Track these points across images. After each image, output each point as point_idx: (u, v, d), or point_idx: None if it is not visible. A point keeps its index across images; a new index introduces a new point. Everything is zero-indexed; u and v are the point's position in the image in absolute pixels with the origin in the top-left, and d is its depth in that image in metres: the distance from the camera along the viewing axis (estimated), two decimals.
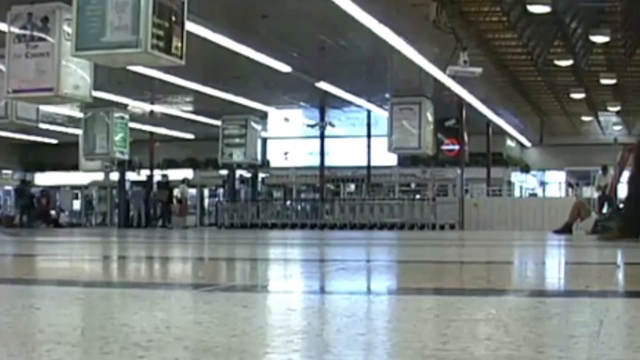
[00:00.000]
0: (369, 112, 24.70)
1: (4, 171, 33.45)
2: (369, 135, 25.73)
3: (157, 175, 29.07)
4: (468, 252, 5.94)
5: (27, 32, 11.20)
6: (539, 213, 21.06)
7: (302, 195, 29.28)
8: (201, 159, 30.75)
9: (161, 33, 9.15)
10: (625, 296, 2.18)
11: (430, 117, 21.79)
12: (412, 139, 21.37)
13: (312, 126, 26.41)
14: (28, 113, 14.49)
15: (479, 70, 14.78)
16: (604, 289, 2.34)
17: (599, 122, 30.53)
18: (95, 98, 12.75)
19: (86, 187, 30.94)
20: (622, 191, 17.15)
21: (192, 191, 31.44)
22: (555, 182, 34.05)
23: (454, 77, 16.51)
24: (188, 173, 31.31)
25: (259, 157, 24.57)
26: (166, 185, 22.89)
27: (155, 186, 23.43)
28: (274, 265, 4.15)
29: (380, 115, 23.78)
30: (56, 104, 15.40)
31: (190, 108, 24.24)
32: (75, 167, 24.85)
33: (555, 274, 3.46)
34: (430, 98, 21.52)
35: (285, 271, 3.69)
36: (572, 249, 6.26)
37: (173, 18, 9.33)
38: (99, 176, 28.36)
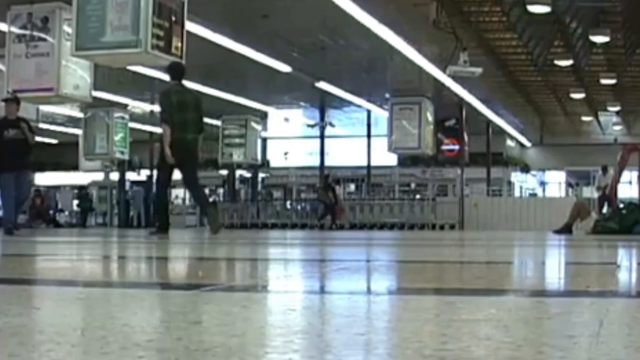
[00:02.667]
0: (369, 112, 24.70)
1: None
2: (369, 135, 25.73)
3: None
4: (468, 252, 5.94)
5: (27, 32, 11.21)
6: (539, 213, 21.05)
7: (302, 195, 29.24)
8: (201, 159, 30.72)
9: (161, 33, 9.17)
10: (625, 296, 2.18)
11: (430, 117, 21.80)
12: (412, 139, 21.38)
13: (312, 126, 26.42)
14: (28, 113, 14.47)
15: (479, 70, 14.79)
16: (604, 289, 2.34)
17: (599, 122, 30.55)
18: (95, 98, 12.76)
19: (85, 187, 30.93)
20: (622, 191, 17.05)
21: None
22: (555, 182, 34.03)
23: (454, 77, 16.51)
24: None
25: (259, 157, 24.58)
26: (328, 185, 22.41)
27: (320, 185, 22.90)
28: (274, 265, 4.15)
29: (380, 115, 23.77)
30: (56, 104, 15.42)
31: None
32: (75, 167, 24.88)
33: (555, 274, 3.46)
34: (430, 98, 21.53)
35: (285, 271, 3.69)
36: (572, 249, 6.27)
37: (173, 18, 9.34)
38: (99, 176, 28.36)
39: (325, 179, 22.69)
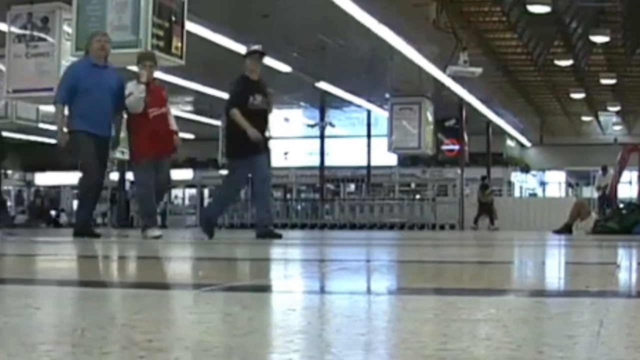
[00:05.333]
0: (369, 112, 24.69)
1: (4, 171, 33.41)
2: (369, 135, 25.73)
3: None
4: (468, 252, 5.94)
5: (27, 32, 11.22)
6: (539, 213, 21.05)
7: (302, 195, 29.24)
8: (201, 159, 30.76)
9: (161, 33, 9.18)
10: (625, 296, 2.18)
11: (430, 117, 21.80)
12: (412, 139, 21.39)
13: (312, 126, 26.43)
14: (28, 113, 14.51)
15: (479, 70, 14.80)
16: (604, 289, 2.34)
17: (599, 122, 30.55)
18: None
19: None
20: (622, 191, 17.04)
21: (193, 191, 31.46)
22: (555, 182, 34.03)
23: (454, 77, 16.52)
24: (188, 173, 31.30)
25: None
26: (486, 187, 22.14)
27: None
28: (274, 265, 4.15)
29: (380, 115, 23.77)
30: None
31: (190, 108, 24.22)
32: (75, 167, 24.86)
33: (555, 274, 3.46)
34: (430, 98, 21.52)
35: (285, 271, 3.70)
36: (572, 249, 6.27)
37: (173, 18, 9.35)
38: None
39: (483, 180, 22.51)
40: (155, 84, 8.41)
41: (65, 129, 7.85)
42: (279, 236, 7.99)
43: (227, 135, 8.68)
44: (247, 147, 7.95)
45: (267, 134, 8.44)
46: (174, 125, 8.44)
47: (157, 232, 8.06)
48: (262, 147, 8.25)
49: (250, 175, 8.50)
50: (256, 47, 8.46)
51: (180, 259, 4.71)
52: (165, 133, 8.20)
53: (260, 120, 8.23)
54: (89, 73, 7.85)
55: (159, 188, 8.32)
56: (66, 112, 7.90)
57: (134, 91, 7.90)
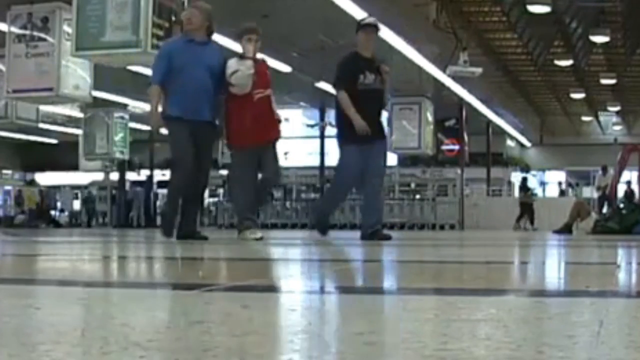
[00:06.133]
0: None
1: (4, 171, 33.44)
2: None
3: (158, 175, 29.06)
4: (468, 252, 5.94)
5: (27, 32, 11.21)
6: (539, 213, 21.04)
7: (302, 195, 29.21)
8: None
9: (161, 33, 9.17)
10: (625, 296, 2.18)
11: (430, 117, 21.80)
12: (412, 139, 21.38)
13: (312, 126, 26.43)
14: (28, 113, 14.51)
15: (479, 70, 14.80)
16: (604, 289, 2.34)
17: (599, 122, 30.56)
18: (95, 98, 12.76)
19: (86, 187, 30.96)
20: (622, 191, 17.08)
21: None
22: (555, 182, 34.04)
23: (454, 77, 16.52)
24: None
25: None
26: (527, 188, 22.06)
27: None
28: (274, 265, 4.15)
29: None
30: (56, 104, 15.43)
31: None
32: (75, 167, 24.90)
33: (555, 274, 3.46)
34: (430, 98, 21.52)
35: (285, 271, 3.70)
36: (572, 249, 6.27)
37: (173, 18, 9.35)
38: (99, 176, 28.38)
39: (524, 181, 22.46)
40: (260, 63, 7.31)
41: (156, 112, 6.94)
42: (389, 237, 7.12)
43: (336, 116, 7.58)
44: (352, 132, 7.06)
45: (381, 118, 7.42)
46: (277, 112, 7.38)
47: (258, 233, 7.07)
48: (375, 135, 7.21)
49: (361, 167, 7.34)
50: (369, 19, 7.55)
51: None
52: (269, 119, 7.15)
53: (373, 102, 7.21)
54: (183, 50, 6.90)
55: (266, 181, 7.25)
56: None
57: (241, 67, 6.89)
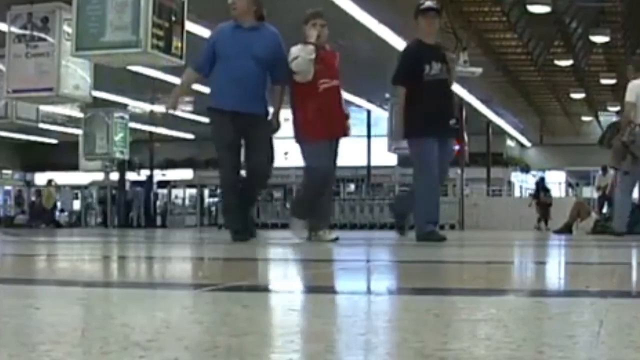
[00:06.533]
0: (369, 112, 24.67)
1: (4, 171, 33.45)
2: (369, 135, 25.72)
3: (158, 175, 29.07)
4: (468, 252, 5.94)
5: (27, 32, 11.21)
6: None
7: None
8: (201, 159, 30.76)
9: (161, 33, 9.17)
10: (625, 296, 2.18)
11: None
12: None
13: None
14: (28, 113, 14.50)
15: (479, 70, 14.80)
16: (604, 289, 2.34)
17: (599, 122, 30.56)
18: (95, 98, 12.75)
19: (86, 187, 30.96)
20: None
21: (193, 191, 31.48)
22: (555, 182, 34.04)
23: None
24: (188, 173, 31.27)
25: None
26: (547, 190, 22.01)
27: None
28: (274, 265, 4.15)
29: (380, 115, 23.76)
30: (56, 104, 15.43)
31: (190, 108, 24.22)
32: (75, 167, 24.90)
33: (555, 274, 3.46)
34: None
35: (285, 271, 3.70)
36: (572, 249, 6.27)
37: (173, 18, 9.35)
38: (99, 176, 28.39)
39: (542, 181, 22.40)
40: (327, 50, 6.80)
41: (178, 94, 6.79)
42: (443, 239, 6.50)
43: (406, 108, 6.69)
44: (425, 124, 6.41)
45: (451, 111, 6.77)
46: (344, 107, 6.86)
47: (333, 234, 6.65)
48: (444, 129, 6.59)
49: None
50: (428, 2, 6.74)
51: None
52: (335, 112, 6.57)
53: (441, 93, 6.55)
54: (229, 37, 6.41)
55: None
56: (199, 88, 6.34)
57: (301, 54, 6.41)
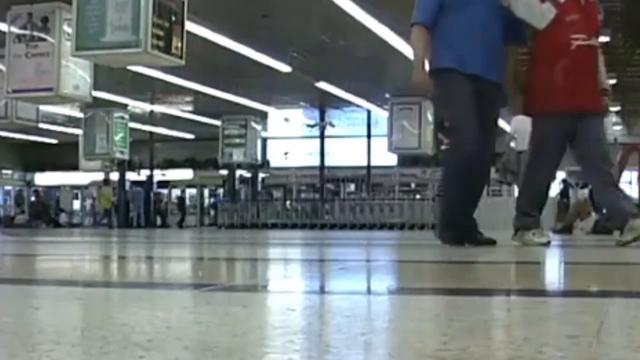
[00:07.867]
0: (369, 112, 24.69)
1: (4, 171, 33.41)
2: (369, 135, 25.74)
3: (158, 175, 29.06)
4: (468, 252, 5.94)
5: (27, 32, 11.21)
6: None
7: (302, 195, 29.23)
8: (201, 159, 30.76)
9: (161, 33, 9.17)
10: (625, 296, 2.18)
11: (430, 117, 21.79)
12: (412, 139, 21.38)
13: (312, 126, 26.43)
14: (28, 113, 14.50)
15: None
16: (604, 289, 2.34)
17: None
18: (95, 98, 12.76)
19: (86, 187, 30.97)
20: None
21: (193, 191, 31.48)
22: (555, 182, 34.07)
23: None
24: (188, 173, 31.29)
25: (259, 157, 24.57)
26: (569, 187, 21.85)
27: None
28: (274, 265, 4.15)
29: (380, 115, 23.76)
30: (56, 104, 15.43)
31: (190, 108, 24.21)
32: (75, 167, 24.91)
33: (555, 273, 3.46)
34: (431, 98, 21.50)
35: (285, 271, 3.70)
36: (572, 249, 6.27)
37: (173, 18, 9.35)
38: (99, 176, 28.41)
39: (564, 182, 22.35)
40: (590, 2, 5.19)
41: (425, 66, 5.06)
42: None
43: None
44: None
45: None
46: (604, 80, 5.34)
47: (544, 237, 5.37)
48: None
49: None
50: None
51: None
52: (589, 79, 5.12)
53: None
54: None
55: (593, 163, 5.35)
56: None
57: None
